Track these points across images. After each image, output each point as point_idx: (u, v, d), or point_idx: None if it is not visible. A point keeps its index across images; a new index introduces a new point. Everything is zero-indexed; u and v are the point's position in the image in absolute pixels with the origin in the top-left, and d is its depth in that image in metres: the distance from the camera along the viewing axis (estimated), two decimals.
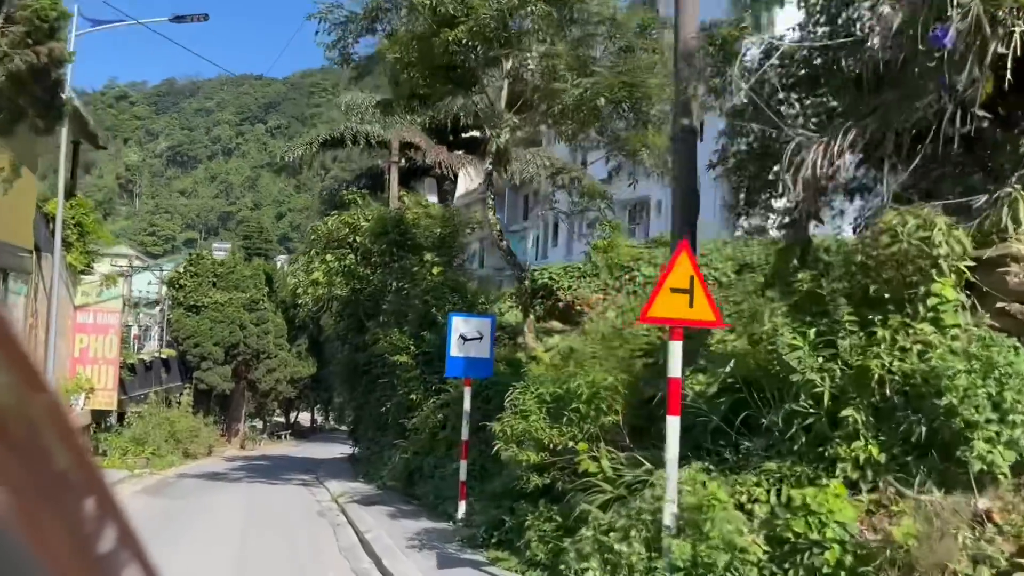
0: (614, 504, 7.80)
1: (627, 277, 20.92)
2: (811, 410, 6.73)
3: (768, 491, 6.81)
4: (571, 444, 8.71)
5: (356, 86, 31.98)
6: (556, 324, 20.09)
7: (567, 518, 8.60)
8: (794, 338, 6.87)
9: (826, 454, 6.70)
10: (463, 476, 12.44)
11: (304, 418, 51.36)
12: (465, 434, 12.59)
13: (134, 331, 35.00)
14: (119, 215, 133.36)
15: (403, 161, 26.56)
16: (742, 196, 8.17)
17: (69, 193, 20.82)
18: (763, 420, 7.05)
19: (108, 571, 0.61)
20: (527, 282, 15.68)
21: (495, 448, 9.27)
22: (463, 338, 12.64)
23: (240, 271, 34.13)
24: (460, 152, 31.37)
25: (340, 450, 36.15)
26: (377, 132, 31.03)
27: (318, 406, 50.20)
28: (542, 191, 29.06)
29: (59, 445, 0.59)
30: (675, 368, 6.53)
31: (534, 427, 8.73)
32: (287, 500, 17.88)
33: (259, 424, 43.18)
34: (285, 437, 44.85)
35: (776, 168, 8.21)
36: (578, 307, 20.58)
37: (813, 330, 6.88)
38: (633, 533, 6.46)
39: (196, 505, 16.13)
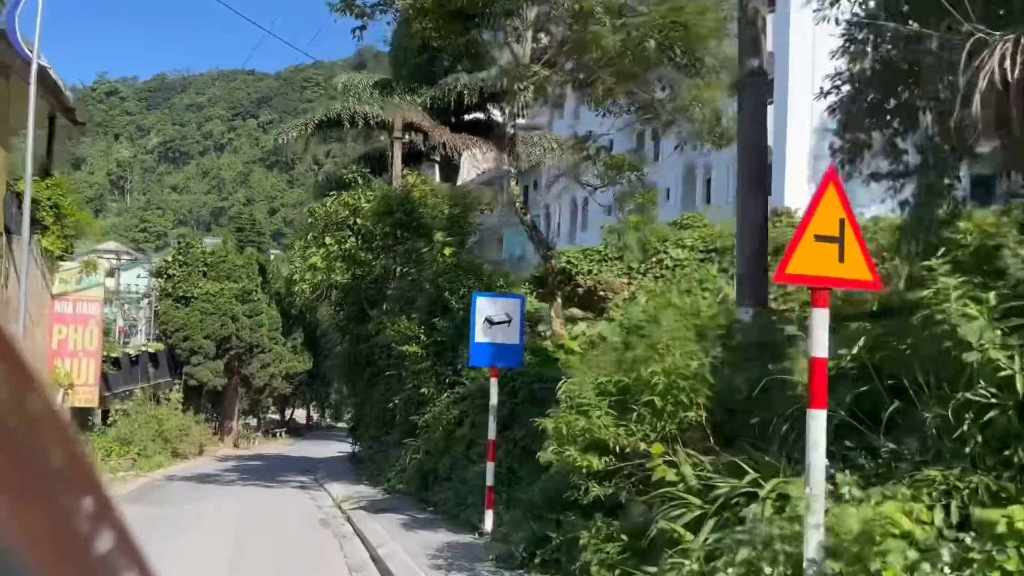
0: (708, 522, 6.07)
1: (655, 259, 19.21)
2: (993, 400, 5.00)
3: (931, 508, 5.08)
4: (642, 446, 6.96)
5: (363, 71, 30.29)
6: (576, 311, 18.34)
7: (637, 538, 6.87)
8: (965, 304, 5.13)
9: (1015, 459, 4.98)
10: (490, 481, 10.69)
11: (300, 415, 49.36)
12: (492, 433, 10.85)
13: (119, 324, 33.06)
14: (110, 211, 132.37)
15: (407, 137, 24.71)
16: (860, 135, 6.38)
17: (45, 172, 18.95)
18: (924, 413, 5.31)
19: (105, 574, 0.58)
20: (553, 261, 13.88)
21: (548, 449, 7.47)
22: (489, 321, 10.88)
23: (232, 260, 32.07)
24: (465, 134, 29.61)
25: (338, 448, 34.37)
26: (376, 113, 29.23)
27: (314, 403, 48.27)
28: (547, 168, 27.26)
29: (54, 443, 0.56)
30: (820, 345, 4.77)
31: (597, 425, 6.96)
32: (285, 506, 16.07)
33: (253, 422, 41.19)
34: (280, 435, 42.90)
35: (900, 97, 6.48)
36: (601, 292, 18.85)
37: (992, 293, 5.15)
38: (768, 569, 4.70)
39: (182, 513, 14.31)
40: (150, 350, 29.58)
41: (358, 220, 20.58)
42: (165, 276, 31.26)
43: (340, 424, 52.62)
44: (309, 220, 22.20)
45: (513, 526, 9.55)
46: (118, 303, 35.38)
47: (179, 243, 33.37)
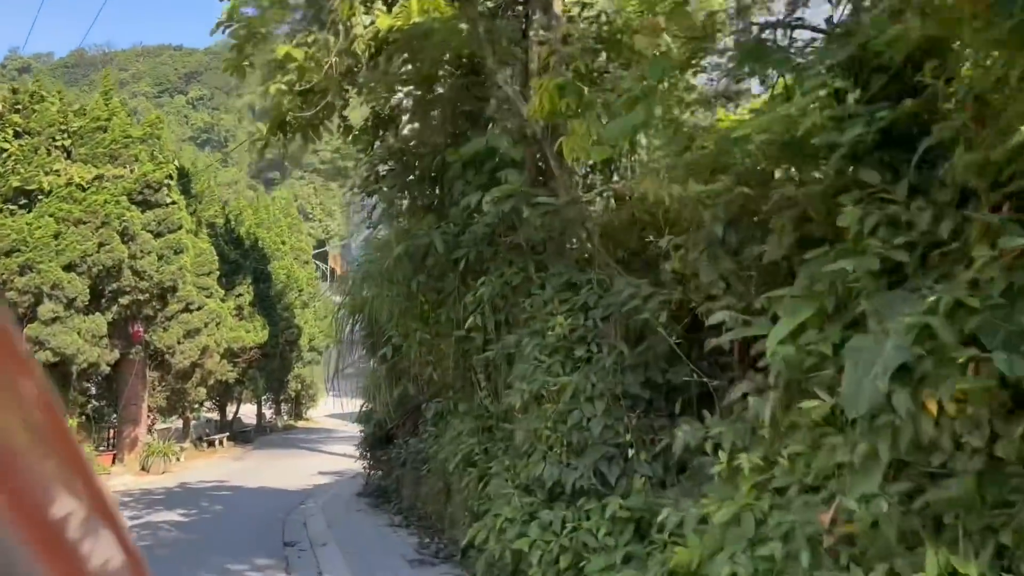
0: None
1: None
2: None
3: None
4: None
5: None
6: None
7: None
8: None
9: None
10: None
11: (248, 412, 33.54)
12: None
13: None
14: None
15: None
16: None
17: None
18: None
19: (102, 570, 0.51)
20: None
21: None
22: None
23: (119, 127, 16.67)
24: None
25: (317, 465, 19.98)
26: None
27: (268, 395, 32.76)
28: None
29: (48, 435, 0.49)
30: None
31: None
32: None
33: (179, 423, 26.13)
34: (221, 444, 27.60)
35: None
36: None
37: None
38: None
39: None
40: None
41: None
42: None
43: (301, 423, 37.60)
44: None
45: None
46: None
47: (14, 86, 17.56)
